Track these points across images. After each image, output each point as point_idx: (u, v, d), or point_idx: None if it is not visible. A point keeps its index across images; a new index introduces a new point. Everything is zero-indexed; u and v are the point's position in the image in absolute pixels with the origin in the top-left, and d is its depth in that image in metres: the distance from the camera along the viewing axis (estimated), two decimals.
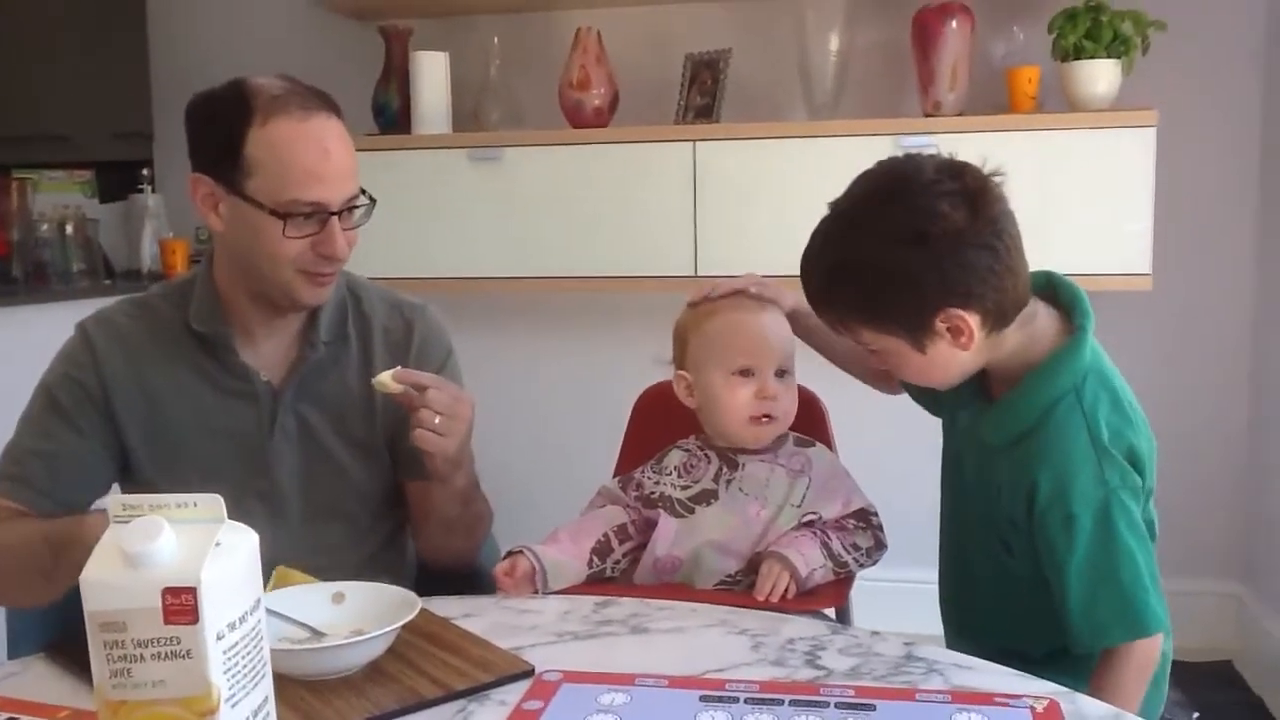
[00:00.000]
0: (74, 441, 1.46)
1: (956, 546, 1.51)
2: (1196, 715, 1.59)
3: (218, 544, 0.76)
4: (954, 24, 2.68)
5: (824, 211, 1.38)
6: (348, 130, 1.45)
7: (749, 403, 1.54)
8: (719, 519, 1.53)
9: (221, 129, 1.40)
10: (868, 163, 1.41)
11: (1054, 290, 1.39)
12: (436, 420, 1.37)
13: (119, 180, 3.31)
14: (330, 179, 1.40)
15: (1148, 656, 1.29)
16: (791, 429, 1.60)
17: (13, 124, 3.24)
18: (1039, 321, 1.35)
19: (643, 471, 1.63)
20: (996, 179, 1.30)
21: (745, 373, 1.55)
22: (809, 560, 1.46)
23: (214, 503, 0.77)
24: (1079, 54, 2.62)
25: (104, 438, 1.48)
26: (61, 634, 1.44)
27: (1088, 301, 1.37)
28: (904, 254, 1.25)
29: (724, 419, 1.56)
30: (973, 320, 1.27)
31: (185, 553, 0.74)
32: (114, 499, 0.77)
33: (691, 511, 1.54)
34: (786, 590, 1.43)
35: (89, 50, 3.23)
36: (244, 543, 0.80)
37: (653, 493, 1.58)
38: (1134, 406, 1.37)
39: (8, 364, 2.53)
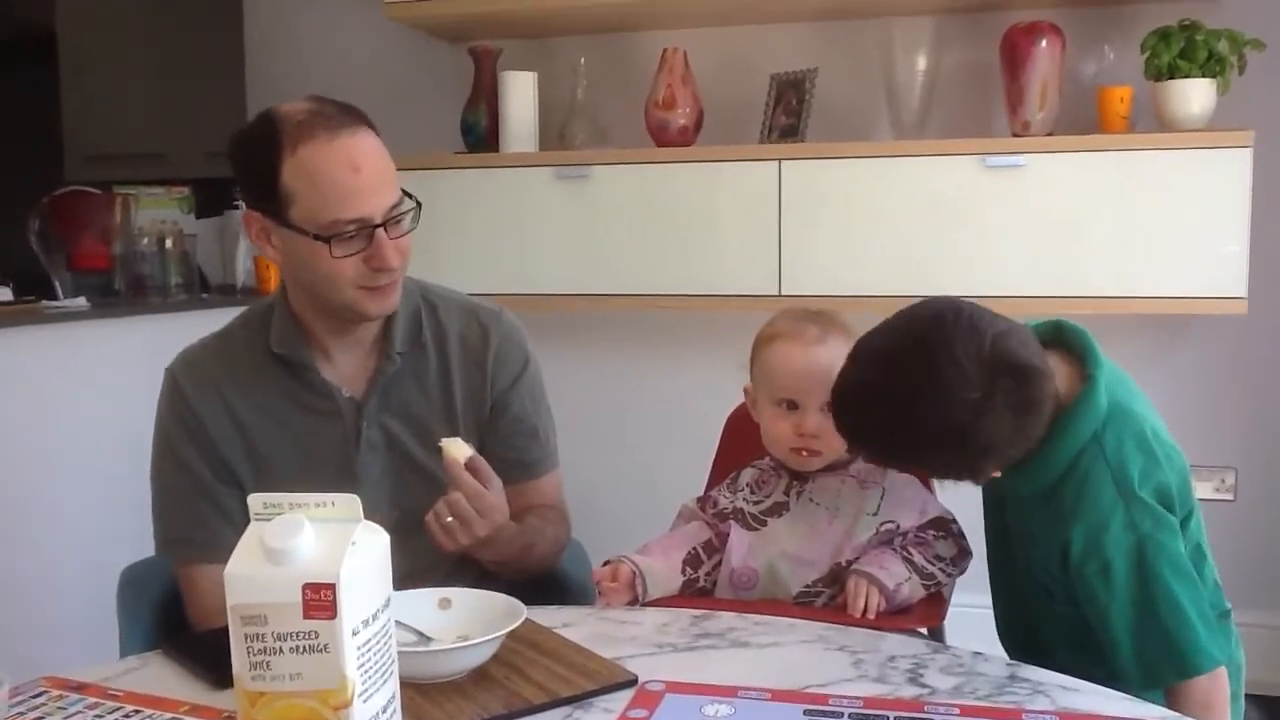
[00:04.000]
0: (205, 493, 1.51)
1: (1005, 582, 1.53)
2: None
3: (353, 543, 0.78)
4: (1044, 43, 2.66)
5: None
6: (383, 141, 1.45)
7: (789, 435, 1.55)
8: (790, 529, 1.54)
9: (257, 165, 1.43)
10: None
11: (1063, 337, 1.40)
12: (448, 519, 1.40)
13: (215, 197, 3.40)
14: (366, 193, 1.41)
15: (1210, 692, 1.28)
16: None
17: (113, 142, 3.36)
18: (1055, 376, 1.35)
19: (719, 490, 1.64)
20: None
21: (789, 404, 1.55)
22: (894, 574, 1.45)
23: (351, 502, 0.80)
24: (1173, 73, 2.58)
25: (226, 476, 1.52)
26: (172, 632, 1.49)
27: (1097, 345, 1.38)
28: (946, 452, 1.29)
29: (769, 443, 1.59)
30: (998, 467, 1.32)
31: (324, 550, 0.77)
32: (255, 498, 0.80)
33: (763, 524, 1.55)
34: (878, 605, 1.43)
35: (186, 70, 3.33)
36: (377, 542, 0.82)
37: (725, 509, 1.59)
38: (1159, 437, 1.36)
39: (110, 373, 2.64)
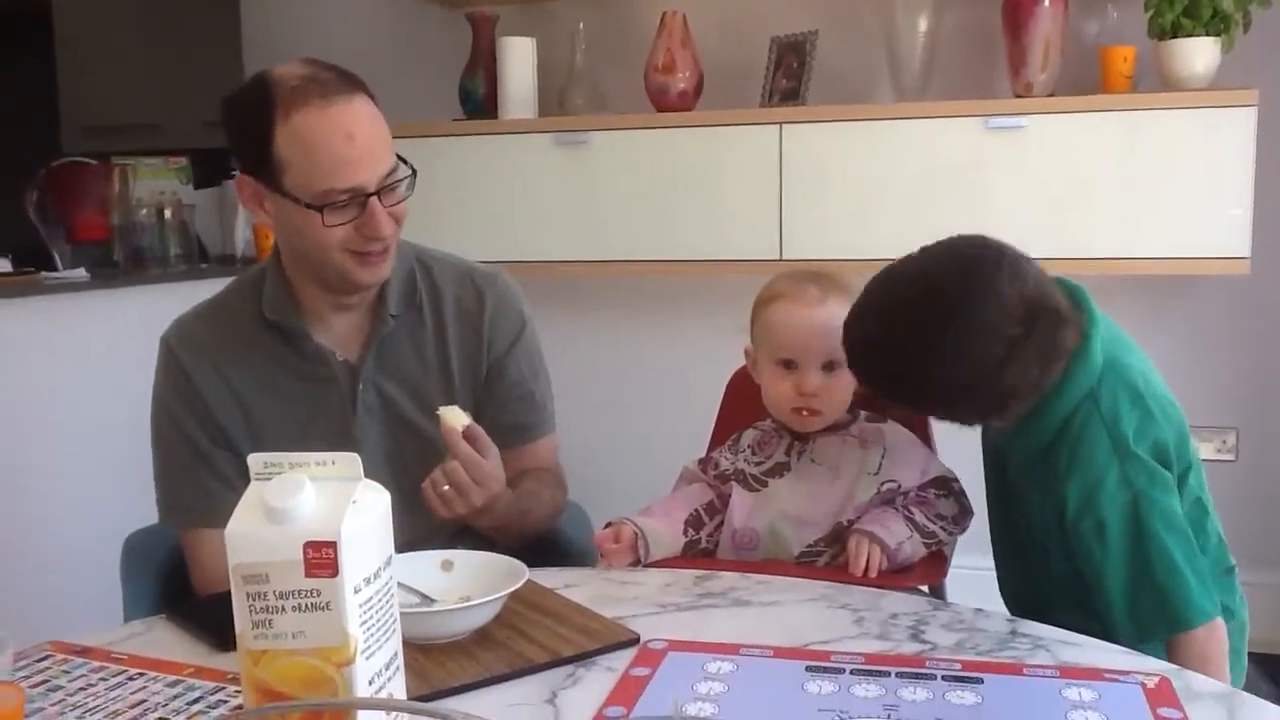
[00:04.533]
0: (205, 460, 1.51)
1: (1006, 543, 1.54)
2: None
3: (354, 501, 0.78)
4: (1046, 3, 2.63)
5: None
6: (380, 107, 1.43)
7: (789, 395, 1.54)
8: (791, 489, 1.54)
9: (250, 130, 1.41)
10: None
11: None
12: (445, 488, 1.39)
13: (213, 167, 3.38)
14: (360, 161, 1.39)
15: (1207, 644, 1.29)
16: (890, 409, 1.60)
17: (110, 113, 3.34)
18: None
19: (719, 451, 1.64)
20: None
21: (788, 364, 1.55)
22: (895, 533, 1.45)
23: (351, 461, 0.80)
24: (1176, 32, 2.56)
25: (224, 443, 1.52)
26: (174, 600, 1.50)
27: (1092, 302, 1.38)
28: (966, 395, 1.30)
29: (769, 403, 1.59)
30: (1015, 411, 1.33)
31: (325, 508, 0.77)
32: (255, 457, 0.80)
33: (764, 485, 1.55)
34: (880, 564, 1.43)
35: (183, 40, 3.32)
36: (378, 500, 0.82)
37: (727, 470, 1.59)
38: (1154, 393, 1.36)
39: (110, 343, 2.64)
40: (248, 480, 0.82)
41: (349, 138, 1.39)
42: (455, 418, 1.40)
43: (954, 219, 2.65)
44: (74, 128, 3.39)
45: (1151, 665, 1.07)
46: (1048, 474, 1.35)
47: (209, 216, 3.44)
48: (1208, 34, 2.55)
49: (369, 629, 0.79)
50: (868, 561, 1.42)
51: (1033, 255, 1.41)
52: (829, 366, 1.53)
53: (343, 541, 0.76)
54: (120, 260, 3.10)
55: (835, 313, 1.54)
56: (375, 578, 0.80)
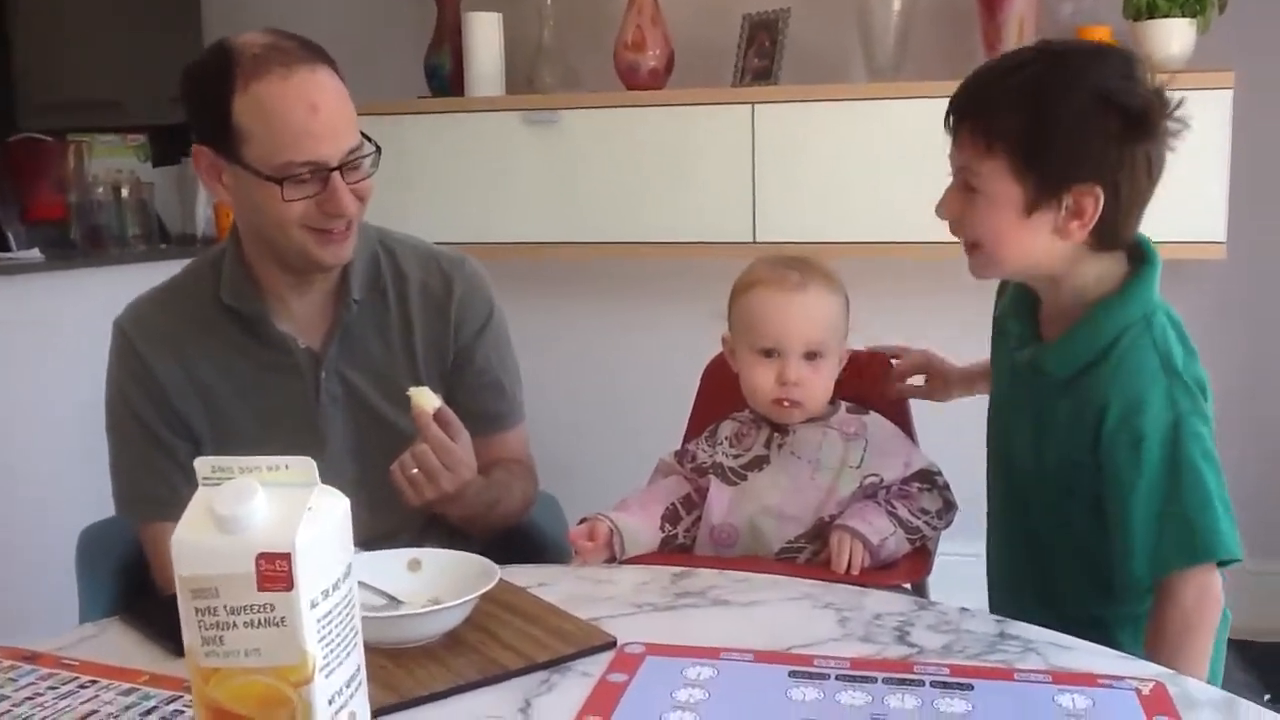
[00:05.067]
0: (162, 448, 1.46)
1: (1010, 529, 1.47)
2: (1268, 697, 1.55)
3: (310, 508, 0.73)
4: None
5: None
6: (343, 78, 1.39)
7: (769, 385, 1.50)
8: (772, 482, 1.50)
9: (209, 99, 1.36)
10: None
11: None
12: (414, 471, 1.34)
13: (172, 145, 3.30)
14: (322, 134, 1.34)
15: (1207, 587, 1.24)
16: (869, 397, 1.56)
17: (66, 89, 3.24)
18: (1107, 263, 1.33)
19: (696, 443, 1.60)
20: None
21: (769, 353, 1.51)
22: (878, 529, 1.42)
23: (306, 466, 0.74)
24: (1152, 12, 2.52)
25: (182, 430, 1.47)
26: (132, 597, 1.44)
27: (1154, 247, 1.36)
28: (1104, 113, 1.24)
29: (749, 393, 1.54)
30: (1096, 213, 1.25)
31: (278, 517, 0.71)
32: (202, 461, 0.74)
33: (744, 478, 1.51)
34: (862, 561, 1.39)
35: (141, 14, 3.22)
36: (336, 507, 0.77)
37: (704, 462, 1.55)
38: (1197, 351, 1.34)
39: (67, 325, 2.56)
40: None
41: (311, 109, 1.34)
42: (426, 399, 1.35)
43: (930, 199, 2.64)
44: (30, 104, 3.29)
45: (1145, 669, 1.03)
46: (1086, 393, 1.29)
47: (169, 195, 3.36)
48: (1184, 15, 2.51)
49: (328, 645, 0.73)
50: (850, 558, 1.38)
51: None
52: (810, 356, 1.49)
53: (298, 552, 0.70)
54: (77, 240, 3.02)
55: (816, 299, 1.50)
56: (334, 589, 0.75)
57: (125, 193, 3.11)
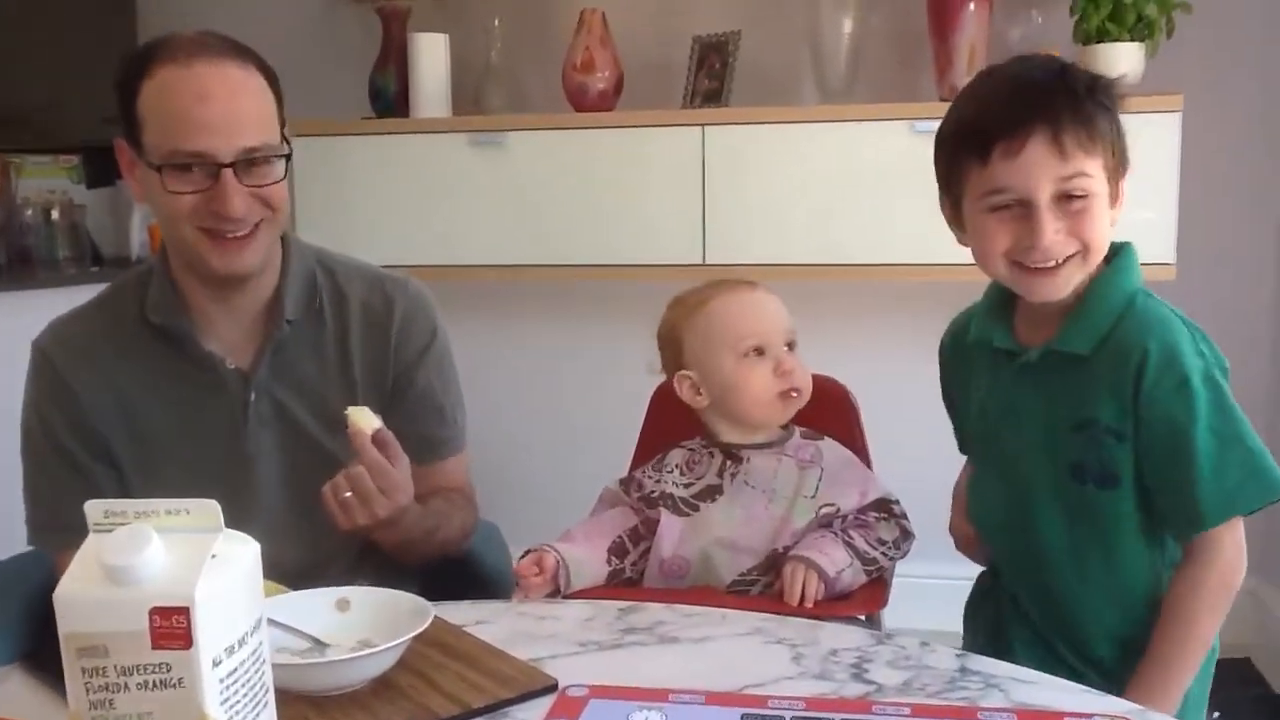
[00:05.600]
0: (82, 473, 1.39)
1: (1015, 524, 1.39)
2: (1217, 715, 1.52)
3: (214, 556, 0.66)
4: (972, 6, 2.59)
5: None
6: (273, 82, 1.36)
7: (769, 382, 1.47)
8: (725, 514, 1.45)
9: (122, 88, 1.33)
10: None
11: None
12: (347, 494, 1.28)
13: (106, 165, 3.20)
14: (212, 126, 1.29)
15: (1241, 547, 1.25)
16: (824, 423, 1.52)
17: None
18: None
19: (643, 472, 1.55)
20: None
21: (758, 351, 1.47)
22: (835, 560, 1.37)
23: (209, 509, 0.67)
24: (1102, 37, 2.53)
25: (103, 455, 1.40)
26: (39, 642, 1.35)
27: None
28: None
29: (746, 404, 1.49)
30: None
31: (176, 567, 0.64)
32: (93, 505, 0.67)
33: (695, 509, 1.46)
34: (816, 592, 1.34)
35: (75, 31, 3.13)
36: (244, 554, 0.70)
37: (654, 492, 1.50)
38: None
39: None
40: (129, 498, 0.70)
41: (202, 98, 1.29)
42: (364, 419, 1.29)
43: (880, 223, 2.63)
44: None
45: (1113, 705, 0.99)
46: (1113, 355, 1.26)
47: (103, 218, 3.26)
48: (1132, 39, 2.52)
49: (232, 707, 0.67)
50: (804, 589, 1.33)
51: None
52: (790, 346, 1.49)
53: (197, 606, 0.63)
54: (2, 263, 2.91)
55: (773, 297, 1.51)
56: (241, 645, 0.68)
57: (56, 214, 3.01)
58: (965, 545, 1.50)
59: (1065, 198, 1.24)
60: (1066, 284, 1.28)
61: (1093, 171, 1.24)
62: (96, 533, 0.67)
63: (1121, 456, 1.27)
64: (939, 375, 1.52)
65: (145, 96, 1.31)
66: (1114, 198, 1.28)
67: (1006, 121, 1.23)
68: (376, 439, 1.29)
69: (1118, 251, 1.32)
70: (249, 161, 1.31)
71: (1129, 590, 1.31)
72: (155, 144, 1.30)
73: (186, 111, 1.28)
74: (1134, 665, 1.26)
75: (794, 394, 1.47)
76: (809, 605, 1.32)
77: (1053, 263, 1.26)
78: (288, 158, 1.36)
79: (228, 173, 1.30)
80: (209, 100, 1.29)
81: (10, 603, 1.43)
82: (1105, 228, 1.27)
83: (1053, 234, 1.24)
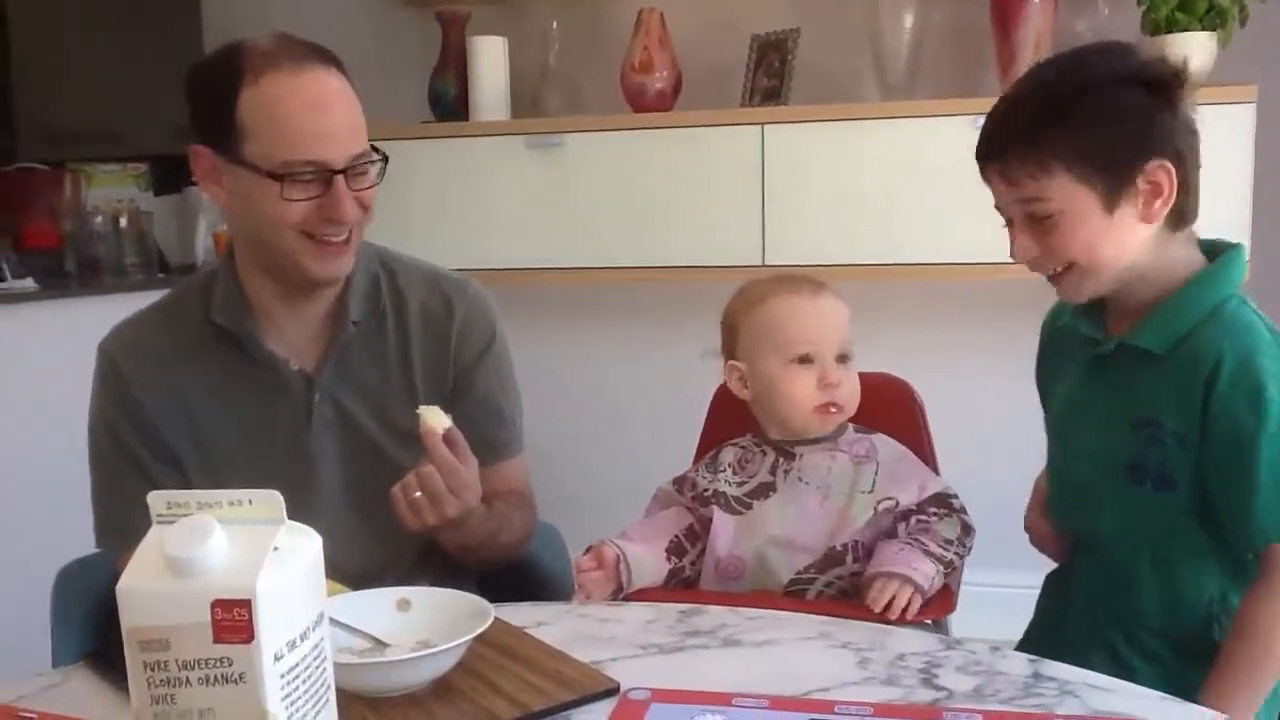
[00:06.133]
0: (146, 474, 1.39)
1: (1076, 515, 1.40)
2: None
3: (276, 548, 0.65)
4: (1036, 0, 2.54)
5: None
6: (352, 86, 1.35)
7: (811, 392, 1.44)
8: (779, 512, 1.43)
9: (214, 95, 1.32)
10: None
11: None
12: (417, 494, 1.27)
13: (173, 174, 3.26)
14: (329, 135, 1.30)
15: None
16: (888, 423, 1.49)
17: (67, 119, 3.20)
18: (1189, 248, 1.31)
19: (696, 471, 1.52)
20: None
21: (804, 360, 1.44)
22: (926, 573, 1.34)
23: (272, 500, 0.67)
24: (1172, 27, 2.47)
25: (167, 457, 1.41)
26: (105, 640, 1.37)
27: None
28: (1134, 92, 1.23)
29: (785, 409, 1.46)
30: (1173, 184, 1.23)
31: (239, 559, 0.64)
32: (156, 496, 0.67)
33: (749, 507, 1.44)
34: (906, 607, 1.31)
35: (143, 44, 3.19)
36: (306, 547, 0.69)
37: (706, 490, 1.47)
38: None
39: (60, 357, 2.49)
40: None
41: (319, 107, 1.29)
42: (436, 418, 1.28)
43: (943, 221, 2.59)
44: (32, 135, 3.26)
45: (1200, 714, 0.95)
46: (1190, 356, 1.24)
47: (169, 225, 3.32)
48: (1204, 29, 2.46)
49: (294, 703, 0.66)
50: (898, 601, 1.30)
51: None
52: (842, 359, 1.45)
53: (259, 599, 0.63)
54: (72, 270, 2.97)
55: (834, 303, 1.46)
56: (303, 639, 0.67)
57: (124, 222, 3.06)
58: (1039, 540, 1.47)
59: (1033, 218, 1.28)
60: (1076, 291, 1.30)
61: (1050, 194, 1.25)
62: (159, 524, 0.66)
63: (1181, 460, 1.26)
64: (1036, 357, 1.51)
65: (249, 104, 1.29)
66: (1111, 205, 1.24)
67: (977, 155, 1.31)
68: (447, 438, 1.28)
69: (1222, 251, 1.30)
70: (354, 167, 1.32)
71: (1183, 594, 1.29)
72: (266, 153, 1.29)
73: (308, 122, 1.28)
74: (1190, 665, 1.24)
75: (834, 409, 1.44)
76: (909, 618, 1.29)
77: (1050, 272, 1.31)
78: (385, 161, 1.37)
79: (340, 179, 1.31)
80: (323, 109, 1.29)
81: (76, 602, 1.45)
82: (1089, 239, 1.25)
83: (1021, 249, 1.30)
